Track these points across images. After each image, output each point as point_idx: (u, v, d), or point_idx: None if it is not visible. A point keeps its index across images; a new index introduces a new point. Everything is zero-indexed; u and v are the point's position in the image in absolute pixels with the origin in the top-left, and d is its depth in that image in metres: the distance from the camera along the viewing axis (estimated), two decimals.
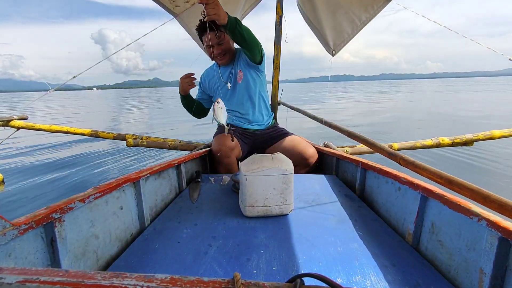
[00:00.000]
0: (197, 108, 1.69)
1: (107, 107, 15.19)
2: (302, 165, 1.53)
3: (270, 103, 1.85)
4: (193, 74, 1.50)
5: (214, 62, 1.68)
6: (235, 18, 1.29)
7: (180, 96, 1.61)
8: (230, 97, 1.65)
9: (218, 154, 1.44)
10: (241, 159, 1.58)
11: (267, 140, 1.68)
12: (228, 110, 1.70)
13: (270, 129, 1.73)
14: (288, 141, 1.62)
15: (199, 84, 1.73)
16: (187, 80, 1.50)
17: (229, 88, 1.64)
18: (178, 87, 1.57)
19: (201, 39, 1.57)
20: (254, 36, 1.42)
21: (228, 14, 1.25)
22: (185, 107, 1.70)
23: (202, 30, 1.49)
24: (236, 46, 1.63)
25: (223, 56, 1.55)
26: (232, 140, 1.23)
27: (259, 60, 1.55)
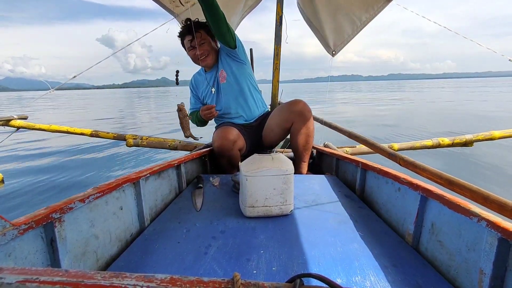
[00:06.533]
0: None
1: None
2: (299, 121, 1.43)
3: (261, 92, 1.79)
4: (213, 106, 1.53)
5: (201, 67, 1.69)
6: None
7: (198, 118, 1.63)
8: (217, 100, 1.65)
9: (220, 149, 1.41)
10: (244, 152, 1.58)
11: (261, 125, 1.66)
12: (220, 114, 1.67)
13: (262, 116, 1.71)
14: (275, 110, 1.61)
15: (191, 89, 1.76)
16: (207, 112, 1.52)
17: (213, 92, 1.64)
18: (200, 115, 1.58)
19: (183, 44, 1.60)
20: (222, 13, 1.34)
21: None
22: (196, 124, 1.72)
23: (182, 34, 1.56)
24: (218, 45, 1.63)
25: (206, 57, 1.55)
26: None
27: (234, 43, 1.50)
